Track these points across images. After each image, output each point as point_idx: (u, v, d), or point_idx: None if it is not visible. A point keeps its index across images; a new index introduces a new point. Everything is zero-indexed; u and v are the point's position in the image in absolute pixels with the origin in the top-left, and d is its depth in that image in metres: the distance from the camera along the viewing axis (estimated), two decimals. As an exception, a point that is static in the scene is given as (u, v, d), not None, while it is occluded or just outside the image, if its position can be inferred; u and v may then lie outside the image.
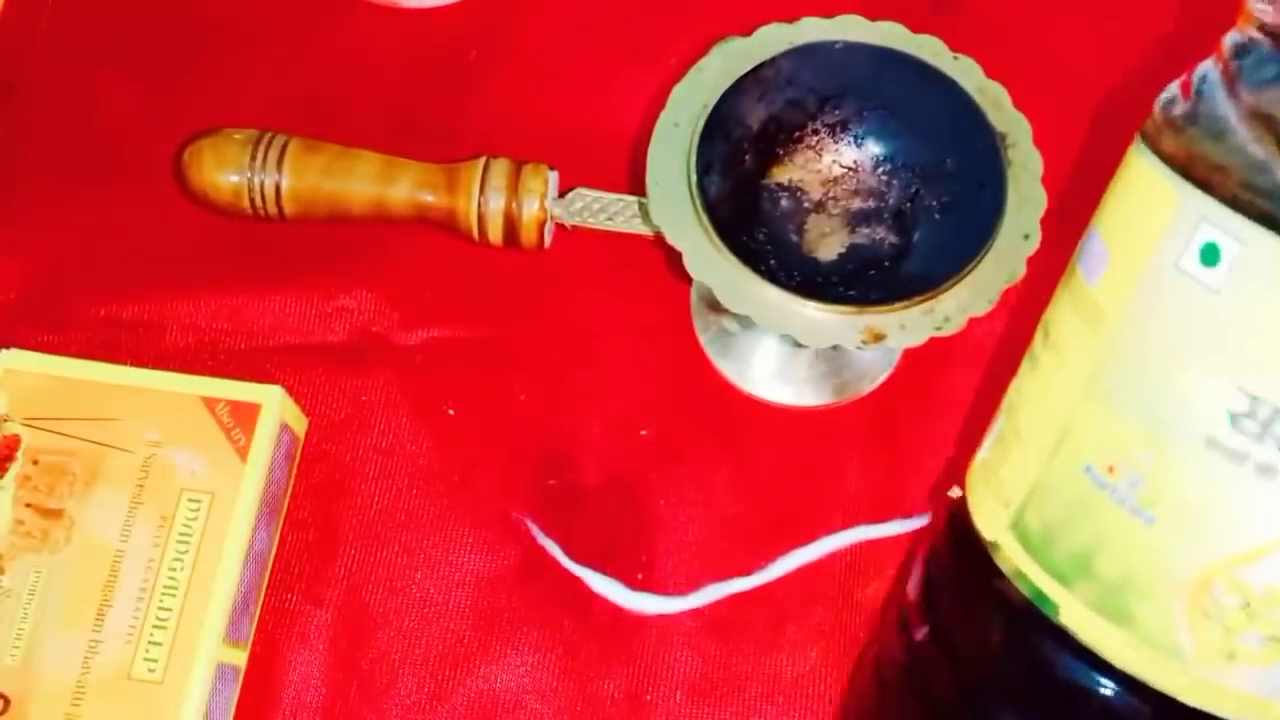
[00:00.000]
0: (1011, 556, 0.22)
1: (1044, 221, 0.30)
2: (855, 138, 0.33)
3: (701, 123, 0.30)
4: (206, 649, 0.30)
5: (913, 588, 0.26)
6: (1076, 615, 0.20)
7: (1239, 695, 0.19)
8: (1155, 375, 0.20)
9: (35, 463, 0.32)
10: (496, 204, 0.35)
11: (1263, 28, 0.21)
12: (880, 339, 0.29)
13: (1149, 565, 0.19)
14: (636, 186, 0.38)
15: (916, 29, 0.32)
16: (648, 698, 0.33)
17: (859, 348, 0.29)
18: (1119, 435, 0.20)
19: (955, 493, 0.26)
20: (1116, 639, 0.20)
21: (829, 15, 0.32)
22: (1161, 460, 0.19)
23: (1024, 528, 0.22)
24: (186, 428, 0.32)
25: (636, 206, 0.36)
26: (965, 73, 0.31)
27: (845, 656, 0.33)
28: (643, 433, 0.36)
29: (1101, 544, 0.20)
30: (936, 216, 0.32)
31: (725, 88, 0.31)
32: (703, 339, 0.37)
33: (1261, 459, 0.19)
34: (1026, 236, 0.30)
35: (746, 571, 0.34)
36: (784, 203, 0.33)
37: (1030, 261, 0.29)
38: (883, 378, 0.37)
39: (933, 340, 0.29)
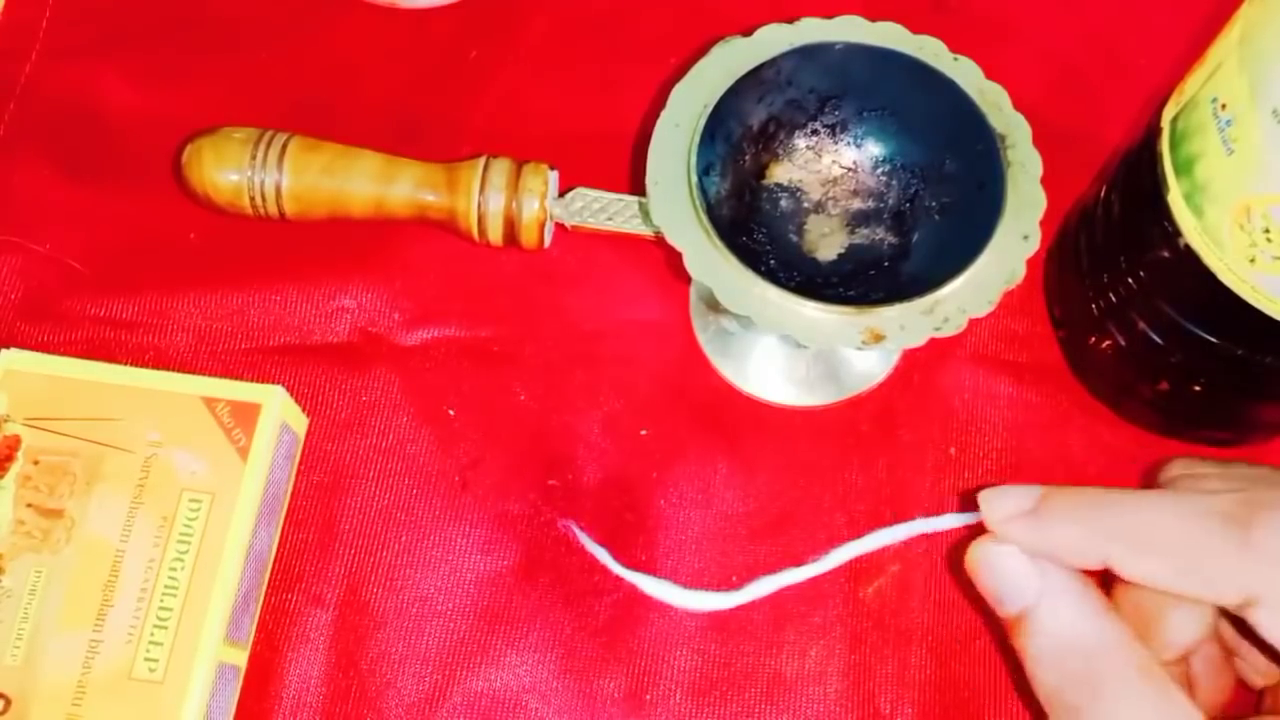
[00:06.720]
0: (1162, 143, 0.30)
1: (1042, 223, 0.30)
2: (855, 138, 0.33)
3: (701, 123, 0.30)
4: (207, 649, 0.30)
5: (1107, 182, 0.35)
6: (1177, 199, 0.29)
7: (1254, 287, 0.28)
8: (1268, 49, 0.26)
9: (36, 463, 0.32)
10: (496, 204, 0.35)
11: None
12: (880, 339, 0.29)
13: (1220, 182, 0.28)
14: (636, 186, 0.38)
15: (916, 29, 0.32)
16: (648, 697, 0.33)
17: (859, 348, 0.29)
18: (1235, 84, 0.27)
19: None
20: (1191, 222, 0.29)
21: (829, 15, 0.32)
22: (1248, 113, 0.27)
23: (1175, 124, 0.30)
24: (187, 428, 0.32)
25: (636, 206, 0.36)
26: (965, 74, 0.32)
27: (845, 656, 0.33)
28: (643, 432, 0.36)
29: (1202, 155, 0.28)
30: (936, 217, 0.32)
31: (725, 88, 0.31)
32: (702, 339, 0.37)
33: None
34: (1026, 237, 0.30)
35: (753, 572, 0.33)
36: (784, 203, 0.33)
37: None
38: (882, 378, 0.37)
39: (933, 340, 0.29)
